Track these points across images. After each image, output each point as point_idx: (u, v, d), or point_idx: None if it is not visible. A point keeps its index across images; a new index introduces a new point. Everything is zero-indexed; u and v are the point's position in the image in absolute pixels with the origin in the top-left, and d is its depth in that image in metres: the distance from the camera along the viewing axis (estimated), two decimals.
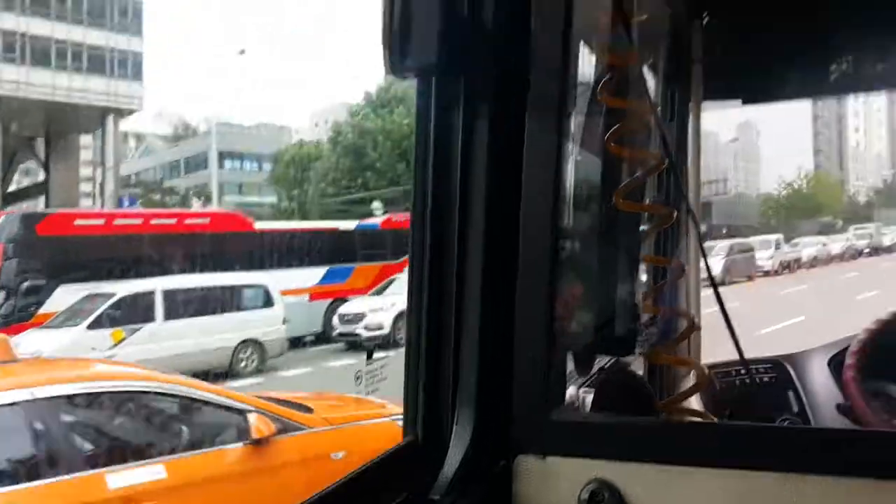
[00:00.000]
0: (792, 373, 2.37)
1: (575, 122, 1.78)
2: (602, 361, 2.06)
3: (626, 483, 1.31)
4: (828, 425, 2.13)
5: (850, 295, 18.51)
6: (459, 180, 1.47)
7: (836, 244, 41.58)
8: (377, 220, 26.64)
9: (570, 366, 1.78)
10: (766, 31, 2.77)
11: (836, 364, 2.20)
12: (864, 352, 2.03)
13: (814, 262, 35.72)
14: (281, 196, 50.96)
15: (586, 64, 1.86)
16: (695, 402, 1.99)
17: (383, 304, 19.02)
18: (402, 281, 20.05)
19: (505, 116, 1.48)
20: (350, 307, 20.02)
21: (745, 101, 3.05)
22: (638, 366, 2.15)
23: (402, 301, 18.17)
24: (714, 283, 1.73)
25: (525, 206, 1.45)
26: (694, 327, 1.77)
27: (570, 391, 1.79)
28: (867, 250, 42.84)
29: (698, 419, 1.79)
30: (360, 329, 18.83)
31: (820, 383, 2.29)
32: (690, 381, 2.09)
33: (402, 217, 25.48)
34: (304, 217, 40.29)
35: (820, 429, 2.02)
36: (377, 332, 17.99)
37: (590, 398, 1.80)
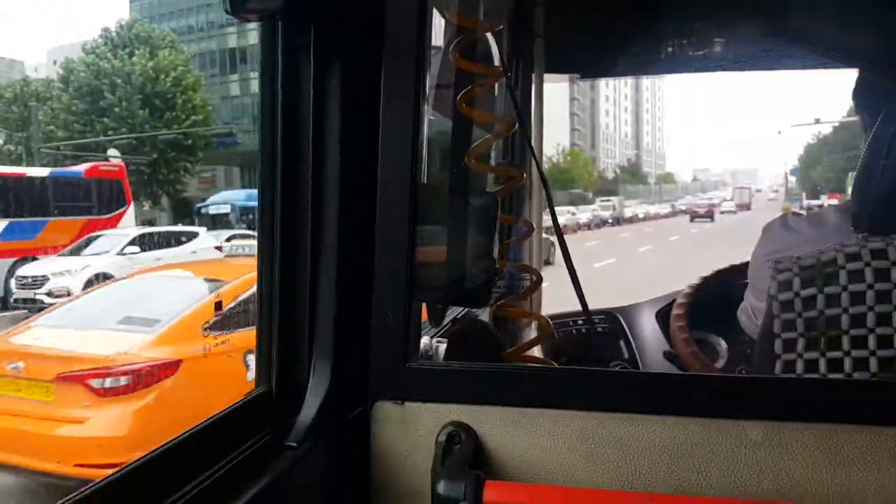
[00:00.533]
0: (623, 323, 2.52)
1: (429, 81, 1.75)
2: (453, 313, 2.08)
3: (479, 425, 1.36)
4: (656, 370, 2.28)
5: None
6: (312, 134, 1.41)
7: (583, 214, 46.01)
8: (81, 167, 22.52)
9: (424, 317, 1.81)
10: (603, 10, 2.77)
11: (662, 315, 2.37)
12: (687, 305, 2.19)
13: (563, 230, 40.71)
14: (4, 138, 43.81)
15: (438, 24, 1.81)
16: (537, 351, 2.07)
17: (72, 266, 16.15)
18: (109, 238, 17.98)
19: (359, 69, 1.44)
20: (30, 269, 16.91)
21: (584, 76, 3.15)
22: (487, 318, 2.19)
23: (102, 263, 16.12)
24: (562, 241, 1.77)
25: (383, 161, 1.43)
26: (539, 282, 1.80)
27: (424, 341, 1.79)
28: (610, 221, 48.96)
29: (541, 366, 1.86)
30: (42, 295, 15.63)
31: (648, 333, 2.45)
32: (533, 331, 2.15)
33: (114, 166, 22.88)
34: (32, 163, 34.56)
35: (649, 373, 2.17)
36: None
37: (443, 348, 1.81)
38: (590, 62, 3.07)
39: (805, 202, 56.75)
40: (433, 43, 1.77)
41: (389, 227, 1.43)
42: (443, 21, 1.87)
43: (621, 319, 2.53)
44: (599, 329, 2.50)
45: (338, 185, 1.43)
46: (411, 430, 1.40)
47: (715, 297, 2.13)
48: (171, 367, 5.96)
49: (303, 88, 1.40)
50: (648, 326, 2.48)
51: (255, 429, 1.32)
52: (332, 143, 1.42)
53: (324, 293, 1.43)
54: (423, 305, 1.73)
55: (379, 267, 1.43)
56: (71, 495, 0.96)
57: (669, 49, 2.90)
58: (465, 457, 1.32)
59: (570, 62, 3.07)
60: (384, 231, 1.43)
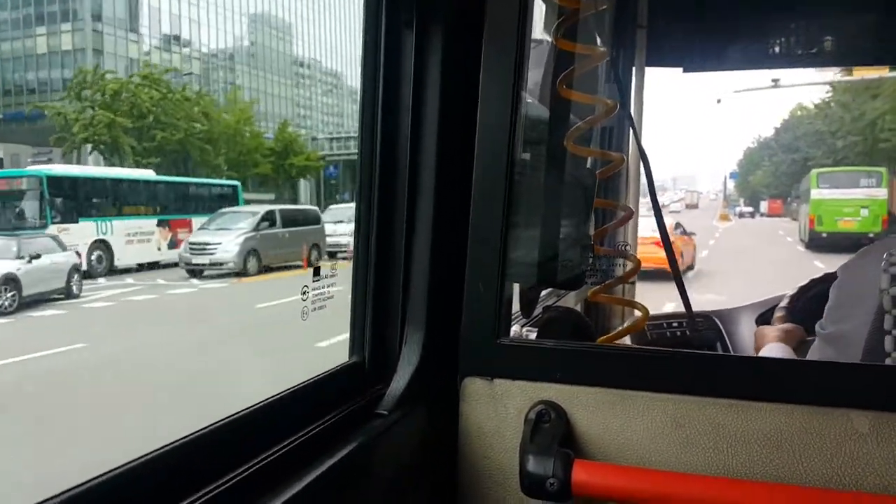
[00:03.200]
0: (720, 326, 2.27)
1: (528, 61, 1.57)
2: (545, 301, 1.87)
3: (570, 405, 1.24)
4: None
5: None
6: (412, 106, 1.32)
7: None
8: None
9: (516, 305, 1.67)
10: (708, 3, 2.50)
11: (762, 321, 2.12)
12: (790, 309, 1.95)
13: None
14: None
15: (542, 13, 1.69)
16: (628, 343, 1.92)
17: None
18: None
19: (460, 44, 1.33)
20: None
21: (686, 70, 2.75)
22: (578, 308, 1.97)
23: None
24: (664, 231, 1.54)
25: (480, 138, 1.31)
26: (637, 268, 1.62)
27: (514, 329, 1.66)
28: None
29: (636, 346, 1.75)
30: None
31: (746, 337, 2.19)
32: (626, 322, 1.92)
33: None
34: None
35: (750, 357, 1.91)
36: None
37: (533, 336, 1.67)
38: (693, 55, 2.71)
39: (740, 208, 54.15)
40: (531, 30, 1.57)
41: (484, 202, 1.32)
42: (543, 6, 1.75)
43: (718, 322, 2.25)
44: (695, 331, 2.22)
45: (434, 157, 1.33)
46: (500, 408, 1.29)
47: (816, 303, 1.79)
48: None
49: (404, 62, 1.31)
50: (747, 331, 2.18)
51: (347, 395, 1.25)
52: (431, 117, 1.33)
53: (418, 267, 1.35)
54: (516, 292, 1.59)
55: (473, 242, 1.33)
56: (182, 437, 0.93)
57: (777, 44, 2.57)
58: (555, 435, 1.21)
59: (672, 55, 2.72)
60: (479, 206, 1.32)
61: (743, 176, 76.76)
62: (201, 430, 1.00)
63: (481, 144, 1.32)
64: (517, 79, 1.32)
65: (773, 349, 1.80)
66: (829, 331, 1.49)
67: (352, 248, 1.36)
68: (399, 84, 1.32)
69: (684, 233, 15.78)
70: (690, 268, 15.26)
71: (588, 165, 1.82)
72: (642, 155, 1.96)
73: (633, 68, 2.62)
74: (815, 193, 23.17)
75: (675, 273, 1.65)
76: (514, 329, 1.68)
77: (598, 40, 2.14)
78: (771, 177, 68.67)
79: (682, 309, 1.82)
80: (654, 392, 1.21)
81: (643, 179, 2.12)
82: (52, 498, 0.75)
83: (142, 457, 0.88)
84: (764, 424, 1.16)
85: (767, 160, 70.45)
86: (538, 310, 1.86)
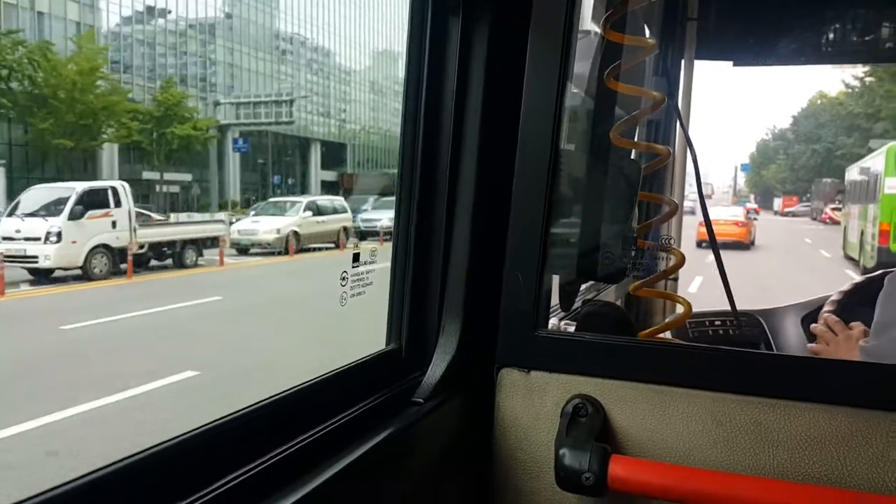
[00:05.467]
0: (765, 325, 2.33)
1: (575, 51, 1.65)
2: (585, 295, 1.96)
3: (607, 399, 1.28)
4: None
5: None
6: (455, 95, 1.37)
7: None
8: None
9: (555, 299, 1.70)
10: None
11: (808, 321, 2.15)
12: (842, 303, 2.00)
13: None
14: None
15: (589, 5, 1.75)
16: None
17: None
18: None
19: (505, 32, 1.38)
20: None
21: (736, 64, 2.92)
22: (619, 302, 2.07)
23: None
24: (710, 226, 1.62)
25: (524, 128, 1.36)
26: (681, 263, 1.71)
27: (553, 322, 1.72)
28: None
29: (676, 342, 1.74)
30: None
31: (791, 337, 2.25)
32: (667, 318, 2.03)
33: None
34: None
35: (793, 356, 1.95)
36: None
37: (572, 330, 1.74)
38: (744, 49, 2.87)
39: (750, 204, 47.13)
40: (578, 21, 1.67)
41: (526, 193, 1.36)
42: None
43: (763, 322, 2.33)
44: (738, 331, 2.30)
45: (477, 146, 1.38)
46: (536, 400, 1.33)
47: (864, 303, 1.88)
48: None
49: (449, 50, 1.36)
50: (792, 331, 2.27)
51: (384, 382, 1.30)
52: (474, 105, 1.38)
53: (457, 255, 1.40)
54: (555, 286, 1.61)
55: (513, 232, 1.36)
56: (220, 417, 0.99)
57: (830, 39, 2.72)
58: (592, 430, 1.24)
59: (722, 48, 2.90)
60: (520, 196, 1.36)
61: (755, 170, 76.76)
62: (239, 411, 1.03)
63: (524, 135, 1.35)
64: (563, 69, 1.35)
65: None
66: (873, 344, 1.49)
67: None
68: (443, 72, 1.37)
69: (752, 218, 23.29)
70: (752, 243, 22.39)
71: (633, 157, 1.91)
72: (690, 149, 2.02)
73: (682, 61, 2.73)
74: (893, 184, 15.19)
75: (721, 271, 1.69)
76: (553, 322, 1.72)
77: (647, 32, 2.25)
78: (787, 171, 68.54)
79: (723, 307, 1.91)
80: (694, 389, 1.23)
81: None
82: (93, 472, 0.79)
83: (178, 436, 0.92)
84: (806, 425, 1.16)
85: (783, 152, 70.25)
86: (577, 303, 1.90)
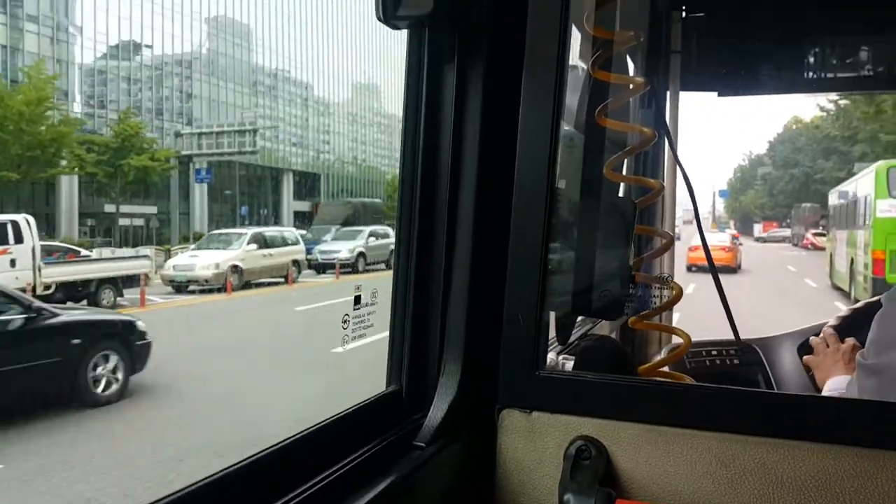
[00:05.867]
0: (762, 355, 2.36)
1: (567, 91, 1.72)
2: (581, 328, 2.00)
3: (610, 441, 1.28)
4: None
5: None
6: (452, 136, 1.41)
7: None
8: None
9: (552, 332, 1.73)
10: (743, 27, 2.82)
11: (803, 350, 2.19)
12: (841, 328, 2.02)
13: None
14: None
15: (577, 41, 1.79)
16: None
17: None
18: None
19: (499, 75, 1.42)
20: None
21: (721, 94, 2.99)
22: (615, 336, 2.12)
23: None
24: (710, 257, 1.68)
25: (519, 168, 1.38)
26: (679, 295, 1.74)
27: (550, 357, 1.74)
28: None
29: (678, 382, 1.75)
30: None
31: (788, 367, 2.28)
32: (664, 352, 2.08)
33: None
34: None
35: (798, 395, 1.99)
36: None
37: (569, 365, 1.76)
38: (728, 80, 2.95)
39: (730, 230, 44.83)
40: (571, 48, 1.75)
41: (523, 233, 1.38)
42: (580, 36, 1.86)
43: (759, 351, 2.36)
44: (735, 361, 2.33)
45: (474, 188, 1.41)
46: (539, 441, 1.33)
47: (863, 326, 1.85)
48: None
49: (445, 92, 1.40)
50: (788, 360, 2.29)
51: (385, 426, 1.31)
52: (471, 147, 1.41)
53: (456, 297, 1.41)
54: (552, 319, 1.65)
55: (512, 272, 1.38)
56: (210, 475, 0.99)
57: (814, 68, 2.84)
58: (596, 473, 1.25)
59: (707, 79, 2.98)
60: (518, 237, 1.38)
61: (734, 196, 77.79)
62: (236, 464, 1.03)
63: (521, 175, 1.38)
64: (556, 110, 1.39)
65: (839, 381, 1.83)
66: (871, 362, 1.50)
67: None
68: (440, 114, 1.41)
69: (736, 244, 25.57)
70: (739, 267, 23.89)
71: (624, 195, 1.91)
72: (685, 178, 2.07)
73: (668, 93, 2.85)
74: (886, 207, 13.91)
75: (722, 299, 1.75)
76: (551, 356, 1.74)
77: (633, 66, 2.37)
78: (766, 196, 69.52)
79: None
80: (698, 430, 1.24)
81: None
82: None
83: (175, 492, 0.92)
84: (812, 466, 1.16)
85: (761, 178, 71.38)
86: (574, 335, 1.92)
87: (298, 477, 1.09)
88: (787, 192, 59.69)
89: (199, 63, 49.66)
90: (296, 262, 23.14)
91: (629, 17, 2.16)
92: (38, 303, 7.93)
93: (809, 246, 39.46)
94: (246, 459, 1.05)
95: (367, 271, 28.29)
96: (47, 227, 35.06)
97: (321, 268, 26.05)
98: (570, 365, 1.76)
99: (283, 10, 56.38)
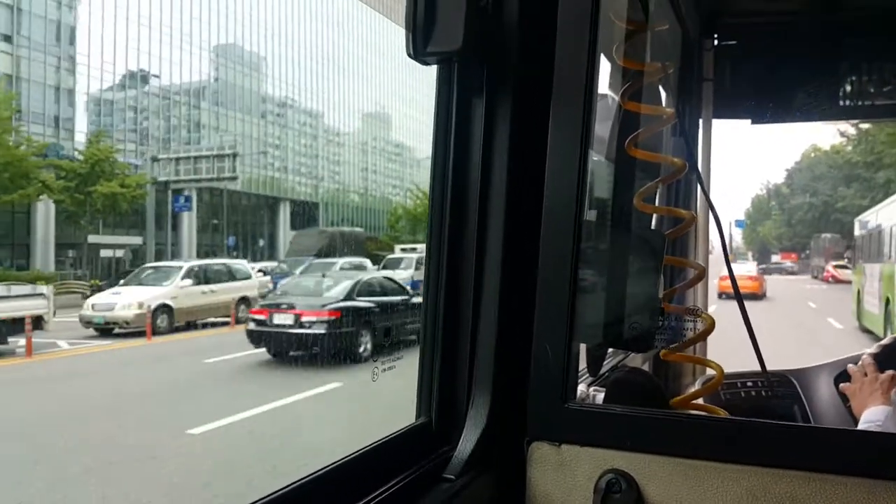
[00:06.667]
0: (798, 387, 2.38)
1: (595, 125, 1.79)
2: (611, 361, 2.04)
3: (641, 474, 1.30)
4: None
5: None
6: (481, 169, 1.46)
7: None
8: None
9: (582, 363, 1.76)
10: (776, 55, 2.91)
11: (840, 380, 2.21)
12: (881, 357, 2.05)
13: None
14: None
15: (605, 70, 1.88)
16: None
17: None
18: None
19: (528, 107, 1.47)
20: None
21: (754, 122, 3.07)
22: (647, 368, 2.17)
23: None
24: (738, 292, 1.73)
25: (548, 200, 1.42)
26: (711, 328, 1.76)
27: (581, 389, 1.78)
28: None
29: (709, 416, 1.78)
30: None
31: (825, 399, 2.30)
32: (697, 384, 2.11)
33: None
34: None
35: (829, 428, 2.00)
36: None
37: (600, 397, 1.79)
38: (761, 107, 3.03)
39: (749, 263, 46.57)
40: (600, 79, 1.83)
41: (552, 265, 1.41)
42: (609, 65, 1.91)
43: (795, 383, 2.39)
44: (771, 392, 2.37)
45: (503, 220, 1.45)
46: (568, 474, 1.35)
47: None
48: None
49: (474, 126, 1.46)
50: (825, 391, 2.31)
51: (415, 458, 1.34)
52: (499, 179, 1.45)
53: (485, 329, 1.44)
54: (582, 350, 1.69)
55: (540, 304, 1.41)
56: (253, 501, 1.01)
57: (848, 95, 2.90)
58: None
59: (739, 106, 3.05)
60: (547, 268, 1.41)
61: (751, 226, 77.93)
62: (268, 496, 1.06)
63: (549, 207, 1.42)
64: (584, 141, 1.42)
65: (878, 412, 1.84)
66: None
67: None
68: (469, 146, 1.46)
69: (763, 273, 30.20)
70: (764, 295, 27.02)
71: (654, 227, 1.96)
72: (712, 210, 2.08)
73: (700, 121, 2.95)
74: None
75: (749, 330, 1.72)
76: (581, 388, 1.78)
77: (664, 94, 2.40)
78: (783, 226, 69.54)
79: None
80: (729, 463, 1.25)
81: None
82: None
83: None
84: (845, 500, 1.17)
85: (778, 208, 71.28)
86: (605, 366, 1.96)
87: None
88: (805, 222, 59.37)
89: (183, 85, 49.95)
90: (245, 300, 20.43)
91: (660, 46, 2.27)
92: None
93: (830, 279, 39.20)
94: (276, 492, 1.08)
95: None
96: (25, 257, 34.42)
97: None
98: (600, 397, 1.79)
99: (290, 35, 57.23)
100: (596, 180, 1.80)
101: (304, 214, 58.66)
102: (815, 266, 47.10)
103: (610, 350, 2.03)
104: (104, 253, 38.96)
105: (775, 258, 59.65)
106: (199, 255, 41.40)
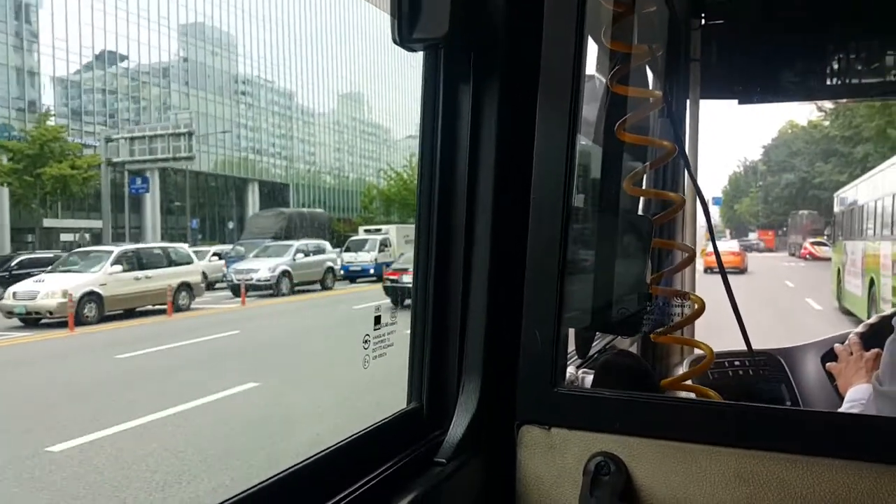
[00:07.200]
0: (785, 366, 2.42)
1: (583, 108, 1.82)
2: (599, 344, 2.07)
3: (629, 457, 1.33)
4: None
5: None
6: (469, 155, 1.47)
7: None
8: None
9: (571, 345, 1.80)
10: (761, 35, 2.95)
11: (827, 359, 2.26)
12: (867, 335, 2.10)
13: None
14: None
15: (593, 52, 1.88)
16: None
17: None
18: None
19: (515, 93, 1.48)
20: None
21: (742, 102, 3.11)
22: (634, 350, 2.22)
23: None
24: (723, 272, 1.77)
25: (536, 185, 1.44)
26: (701, 310, 1.79)
27: (569, 371, 1.81)
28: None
29: (698, 399, 1.81)
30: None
31: (812, 378, 2.35)
32: (685, 364, 2.16)
33: None
34: None
35: (816, 411, 2.05)
36: None
37: (589, 379, 1.82)
38: (749, 87, 3.07)
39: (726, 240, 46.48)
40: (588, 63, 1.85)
41: (540, 250, 1.44)
42: (596, 48, 1.91)
43: (783, 361, 2.43)
44: (759, 371, 2.41)
45: (491, 207, 1.47)
46: (558, 457, 1.38)
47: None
48: None
49: (462, 112, 1.47)
50: (812, 370, 2.36)
51: (406, 443, 1.37)
52: (487, 165, 1.47)
53: (475, 315, 1.47)
54: (571, 332, 1.73)
55: (529, 289, 1.44)
56: (230, 497, 1.02)
57: (835, 74, 2.94)
58: (615, 489, 1.30)
59: (726, 87, 3.09)
60: (535, 253, 1.44)
61: (728, 204, 78.60)
62: (262, 482, 1.07)
63: (537, 193, 1.44)
64: (572, 126, 1.44)
65: (861, 391, 1.88)
66: (886, 388, 1.54)
67: None
68: (457, 133, 1.47)
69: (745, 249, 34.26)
70: (746, 269, 30.76)
71: (641, 213, 1.96)
72: (699, 193, 2.15)
73: (688, 102, 2.98)
74: None
75: (734, 310, 1.77)
76: (570, 370, 1.81)
77: (652, 75, 2.48)
78: (760, 204, 69.82)
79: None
80: (717, 446, 1.28)
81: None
82: None
83: None
84: (832, 482, 1.20)
85: (755, 185, 71.76)
86: (594, 348, 2.00)
87: (320, 496, 1.14)
88: (783, 199, 59.91)
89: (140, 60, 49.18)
90: (186, 286, 20.12)
91: (647, 27, 2.27)
92: None
93: (808, 256, 39.82)
94: (267, 479, 1.09)
95: (296, 293, 24.90)
96: None
97: (238, 290, 22.69)
98: (589, 378, 1.82)
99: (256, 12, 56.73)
100: (584, 165, 1.82)
101: (274, 196, 58.11)
102: (792, 243, 47.46)
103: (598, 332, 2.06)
104: (65, 237, 38.22)
105: (753, 236, 60.11)
106: (164, 239, 40.93)
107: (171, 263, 20.68)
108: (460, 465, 1.38)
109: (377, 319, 1.58)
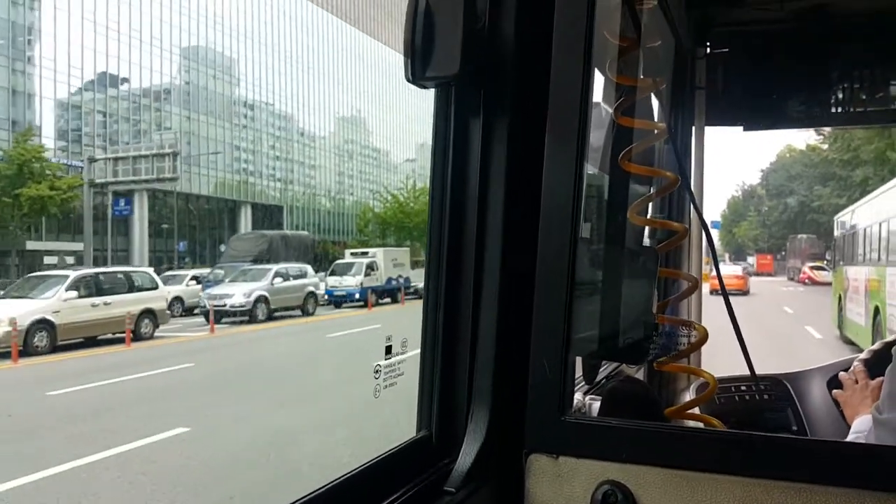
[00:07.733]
0: (791, 391, 2.44)
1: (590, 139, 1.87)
2: (606, 370, 2.11)
3: (636, 485, 1.35)
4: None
5: None
6: (479, 188, 1.53)
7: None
8: None
9: (578, 371, 1.83)
10: (766, 63, 3.03)
11: (833, 385, 2.28)
12: (871, 362, 2.12)
13: None
14: None
15: (599, 82, 1.91)
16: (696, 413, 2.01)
17: None
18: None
19: (524, 129, 1.54)
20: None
21: (746, 129, 3.17)
22: (641, 376, 2.26)
23: None
24: (726, 297, 1.77)
25: (544, 217, 1.49)
26: (704, 339, 1.83)
27: (577, 397, 1.85)
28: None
29: (703, 427, 1.84)
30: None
31: (818, 402, 2.37)
32: (692, 390, 2.19)
33: None
34: None
35: (821, 440, 2.06)
36: None
37: (596, 405, 1.86)
38: (754, 114, 3.14)
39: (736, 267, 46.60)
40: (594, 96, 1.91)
41: (549, 281, 1.47)
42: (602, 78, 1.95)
43: (789, 386, 2.45)
44: (765, 396, 2.43)
45: (500, 237, 1.52)
46: (566, 486, 1.41)
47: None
48: None
49: (472, 147, 1.53)
50: (818, 395, 2.37)
51: (415, 472, 1.39)
52: (497, 198, 1.53)
53: (484, 344, 1.51)
54: (578, 359, 1.74)
55: (538, 318, 1.47)
56: None
57: (841, 102, 3.02)
58: None
59: (731, 114, 3.15)
60: (543, 284, 1.47)
61: (726, 227, 78.92)
62: None
63: (545, 224, 1.48)
64: (580, 160, 1.49)
65: (867, 421, 1.84)
66: (885, 416, 1.56)
67: None
68: (467, 166, 1.53)
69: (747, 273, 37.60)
70: (748, 291, 33.76)
71: (647, 244, 1.99)
72: (702, 222, 2.21)
73: (693, 129, 3.06)
74: None
75: (738, 335, 1.79)
76: (577, 397, 1.84)
77: (657, 103, 2.50)
78: (759, 228, 70.29)
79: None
80: (723, 474, 1.31)
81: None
82: None
83: None
84: None
85: (753, 209, 72.14)
86: (601, 374, 2.03)
87: None
88: (781, 223, 60.07)
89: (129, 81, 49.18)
90: (149, 312, 19.43)
91: (652, 58, 2.34)
92: None
93: (807, 280, 39.95)
94: None
95: (274, 319, 24.20)
96: None
97: (216, 315, 22.19)
98: (596, 405, 1.86)
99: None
100: (590, 195, 1.86)
101: (267, 218, 57.87)
102: (791, 267, 47.45)
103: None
104: (48, 260, 37.94)
105: (751, 259, 60.27)
106: (151, 262, 40.71)
107: (133, 289, 19.95)
108: (469, 494, 1.41)
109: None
